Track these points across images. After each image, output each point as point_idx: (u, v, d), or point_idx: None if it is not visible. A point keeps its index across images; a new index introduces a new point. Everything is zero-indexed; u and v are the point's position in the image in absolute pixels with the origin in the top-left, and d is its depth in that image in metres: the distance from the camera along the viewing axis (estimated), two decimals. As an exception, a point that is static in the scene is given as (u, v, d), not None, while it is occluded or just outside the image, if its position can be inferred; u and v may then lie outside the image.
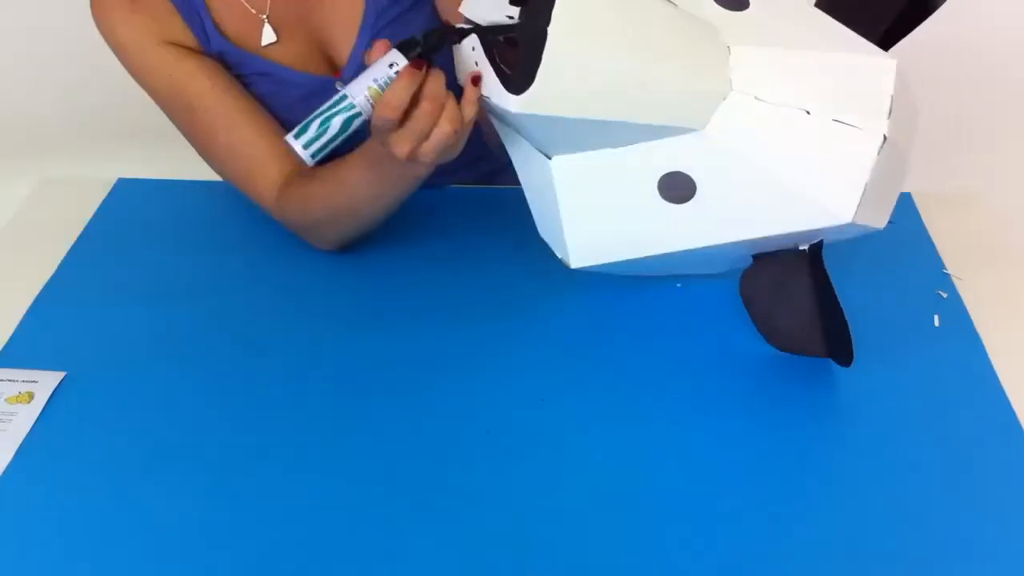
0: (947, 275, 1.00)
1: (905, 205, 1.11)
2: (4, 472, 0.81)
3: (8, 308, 0.98)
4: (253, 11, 1.03)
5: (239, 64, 1.04)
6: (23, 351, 0.93)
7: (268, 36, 1.05)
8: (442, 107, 0.81)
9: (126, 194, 1.16)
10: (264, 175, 1.02)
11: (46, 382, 0.89)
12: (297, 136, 0.80)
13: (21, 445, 0.83)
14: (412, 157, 0.82)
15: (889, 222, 1.07)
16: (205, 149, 1.04)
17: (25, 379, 0.89)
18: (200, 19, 1.02)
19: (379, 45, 0.80)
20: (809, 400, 0.87)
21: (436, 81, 0.80)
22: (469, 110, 0.82)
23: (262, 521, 0.77)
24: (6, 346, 0.94)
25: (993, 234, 1.07)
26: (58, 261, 1.04)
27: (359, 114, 0.79)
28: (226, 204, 1.12)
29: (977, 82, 2.12)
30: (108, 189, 1.16)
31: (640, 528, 0.76)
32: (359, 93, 0.79)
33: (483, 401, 0.86)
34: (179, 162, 1.30)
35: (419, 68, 0.79)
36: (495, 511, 0.77)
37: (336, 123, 0.79)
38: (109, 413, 0.86)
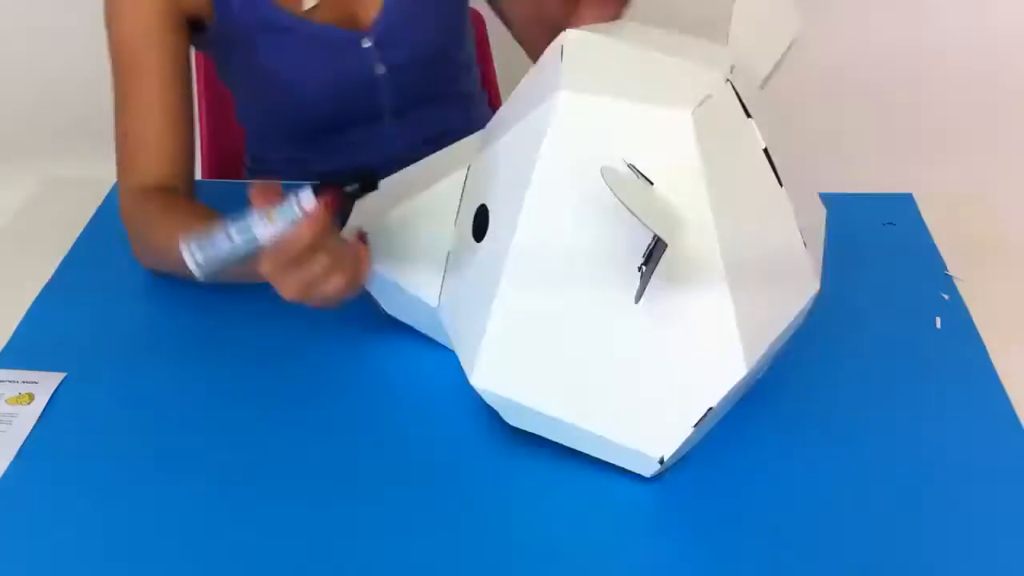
0: (949, 276, 1.00)
1: (906, 205, 1.11)
2: (4, 473, 0.81)
3: (8, 308, 0.98)
4: None
5: (268, 18, 1.05)
6: (23, 352, 0.93)
7: (309, 1, 1.07)
8: (340, 260, 0.78)
9: (126, 194, 1.15)
10: (141, 167, 1.01)
11: (46, 383, 0.89)
12: (196, 255, 0.76)
13: (21, 446, 0.83)
14: (295, 301, 0.79)
15: (890, 223, 1.08)
16: (117, 110, 1.03)
17: (25, 380, 0.89)
18: None
19: (259, 194, 0.76)
20: (810, 401, 0.87)
21: (337, 234, 0.79)
22: (363, 269, 0.81)
23: (263, 521, 0.77)
24: (6, 347, 0.93)
25: (994, 234, 1.07)
26: (58, 261, 1.04)
27: (255, 237, 0.76)
28: (226, 204, 1.12)
29: (978, 83, 2.12)
30: (108, 189, 1.16)
31: (639, 528, 0.76)
32: (258, 214, 0.75)
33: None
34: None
35: (327, 210, 0.75)
36: (493, 520, 0.77)
37: (232, 236, 0.76)
38: (109, 414, 0.86)
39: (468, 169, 0.86)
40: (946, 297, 0.98)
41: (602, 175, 0.67)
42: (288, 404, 0.87)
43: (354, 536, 0.76)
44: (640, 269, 0.71)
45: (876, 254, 1.03)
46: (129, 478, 0.80)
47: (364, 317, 0.96)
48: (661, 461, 0.76)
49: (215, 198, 1.13)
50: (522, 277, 0.76)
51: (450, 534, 0.75)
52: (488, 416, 0.82)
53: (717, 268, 0.73)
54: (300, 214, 0.75)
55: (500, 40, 1.49)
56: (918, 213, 1.09)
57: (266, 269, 0.77)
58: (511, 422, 0.80)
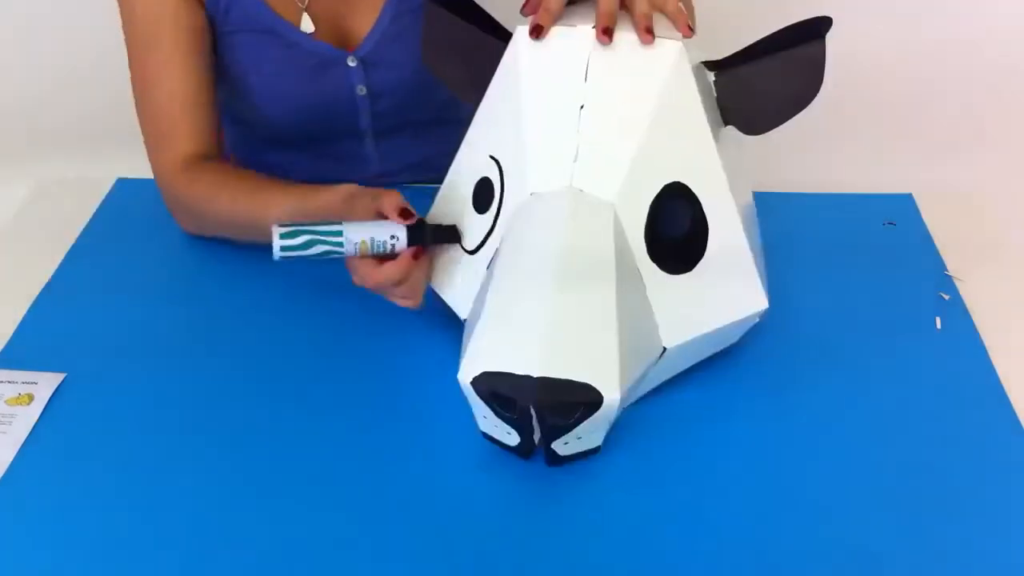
0: (949, 276, 1.00)
1: (906, 205, 1.11)
2: (4, 473, 0.81)
3: (8, 308, 0.98)
4: None
5: (254, 15, 1.05)
6: (23, 352, 0.93)
7: (307, 26, 1.07)
8: (414, 292, 0.86)
9: (126, 194, 1.16)
10: (178, 143, 1.02)
11: (46, 383, 0.89)
12: (283, 235, 0.81)
13: (21, 447, 0.83)
14: (371, 290, 0.86)
15: (890, 223, 1.08)
16: (141, 92, 1.04)
17: (25, 380, 0.89)
18: None
19: (392, 203, 0.84)
20: (810, 401, 0.87)
21: (421, 270, 0.85)
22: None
23: (264, 521, 0.77)
24: (6, 347, 0.93)
25: (994, 234, 1.07)
26: (58, 261, 1.04)
27: (342, 254, 0.83)
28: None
29: (978, 82, 2.12)
30: (108, 189, 1.16)
31: (639, 526, 0.76)
32: (354, 238, 0.82)
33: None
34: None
35: (416, 259, 0.84)
36: (497, 520, 0.77)
37: (319, 249, 0.82)
38: (109, 414, 0.86)
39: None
40: (946, 297, 0.98)
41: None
42: (289, 403, 0.87)
43: (357, 537, 0.76)
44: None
45: (876, 254, 1.03)
46: (129, 478, 0.80)
47: (367, 319, 0.96)
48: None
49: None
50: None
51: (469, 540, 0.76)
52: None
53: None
54: (389, 243, 0.83)
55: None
56: (918, 213, 1.09)
57: (354, 280, 0.86)
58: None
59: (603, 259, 0.76)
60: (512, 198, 0.82)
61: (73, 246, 1.07)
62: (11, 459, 0.82)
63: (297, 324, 0.95)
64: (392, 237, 0.83)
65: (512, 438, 0.77)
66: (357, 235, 0.82)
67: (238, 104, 1.16)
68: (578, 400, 0.71)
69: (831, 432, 0.84)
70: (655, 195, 0.79)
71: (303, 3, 1.06)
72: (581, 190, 0.79)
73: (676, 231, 0.81)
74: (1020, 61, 2.09)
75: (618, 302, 0.75)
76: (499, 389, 0.72)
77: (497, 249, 0.81)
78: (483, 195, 0.85)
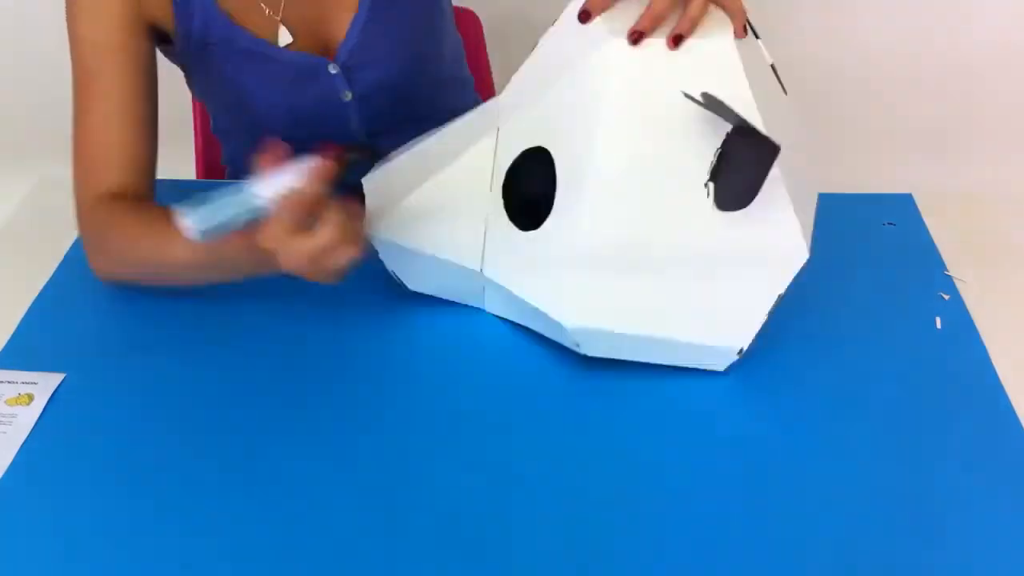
0: (949, 276, 1.00)
1: (906, 205, 1.11)
2: (4, 474, 0.81)
3: (8, 308, 0.97)
4: (267, 9, 1.03)
5: (229, 39, 1.02)
6: (23, 352, 0.93)
7: (285, 38, 1.04)
8: (344, 230, 0.78)
9: (126, 194, 1.15)
10: (101, 176, 0.97)
11: (46, 383, 0.89)
12: (193, 217, 0.75)
13: (21, 447, 0.83)
14: (300, 273, 0.80)
15: (890, 223, 1.08)
16: (76, 115, 0.99)
17: (25, 380, 0.89)
18: None
19: (272, 153, 0.77)
20: (809, 401, 0.87)
21: (338, 204, 0.79)
22: (361, 231, 0.83)
23: (264, 522, 0.77)
24: (6, 347, 0.93)
25: (994, 234, 1.07)
26: (58, 261, 1.04)
27: (263, 214, 0.76)
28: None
29: (978, 83, 2.12)
30: (108, 189, 1.16)
31: (638, 525, 0.76)
32: (270, 193, 0.75)
33: (484, 406, 0.87)
34: (178, 162, 1.30)
35: (329, 167, 0.76)
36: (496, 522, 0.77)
37: (241, 221, 0.76)
38: (109, 415, 0.86)
39: (497, 135, 0.89)
40: (946, 297, 0.98)
41: (689, 98, 0.77)
42: (289, 403, 0.87)
43: (358, 538, 0.76)
44: (706, 185, 0.80)
45: (876, 254, 1.03)
46: (129, 478, 0.80)
47: (368, 318, 0.96)
48: (740, 352, 0.86)
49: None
50: (602, 211, 0.82)
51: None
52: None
53: (773, 171, 0.78)
54: (301, 174, 0.75)
55: (498, 41, 1.48)
56: (918, 213, 1.09)
57: (269, 236, 0.77)
58: (591, 353, 0.87)
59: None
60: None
61: (73, 246, 1.07)
62: (11, 459, 0.82)
63: (297, 324, 0.95)
64: (298, 159, 0.76)
65: None
66: (271, 189, 0.75)
67: (232, 113, 1.15)
68: None
69: (830, 431, 0.84)
70: None
71: (277, 15, 1.03)
72: None
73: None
74: (1020, 62, 2.09)
75: None
76: None
77: None
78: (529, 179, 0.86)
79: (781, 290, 0.83)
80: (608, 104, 0.81)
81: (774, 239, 0.82)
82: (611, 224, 0.82)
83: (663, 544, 0.75)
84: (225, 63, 1.05)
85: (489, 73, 1.47)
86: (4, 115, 1.88)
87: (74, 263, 1.04)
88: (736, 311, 0.84)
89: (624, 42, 0.80)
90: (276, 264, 0.80)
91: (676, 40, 0.79)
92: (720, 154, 0.79)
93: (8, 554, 0.75)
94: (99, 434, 0.85)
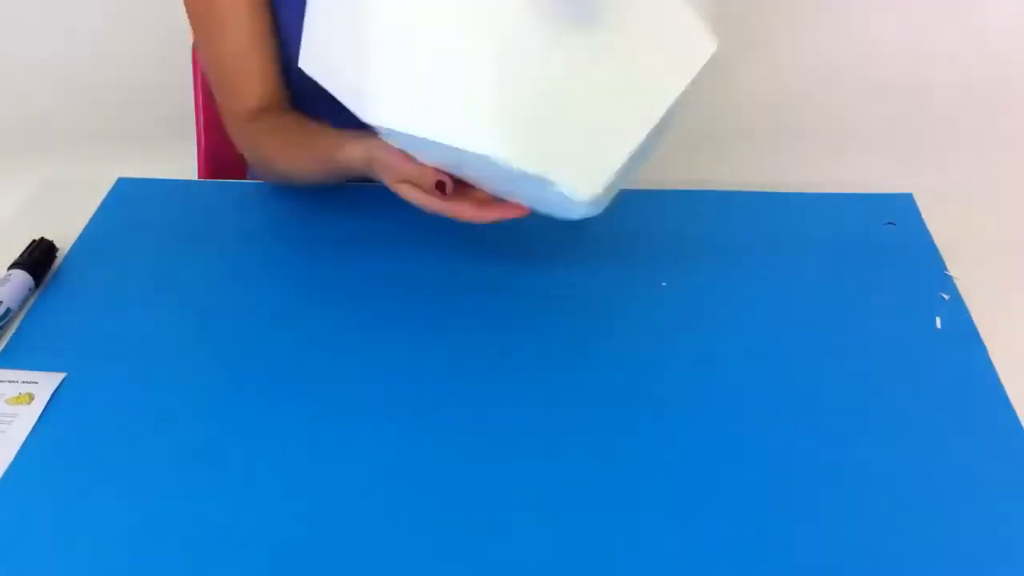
0: (949, 276, 1.00)
1: (906, 205, 1.11)
2: (4, 473, 0.81)
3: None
4: None
5: None
6: (23, 352, 0.93)
7: None
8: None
9: (126, 194, 1.16)
10: (247, 93, 1.05)
11: (46, 383, 0.89)
12: None
13: (21, 446, 0.83)
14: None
15: (890, 223, 1.08)
16: (207, 44, 1.06)
17: (25, 380, 0.89)
18: None
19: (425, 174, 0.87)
20: (808, 401, 0.87)
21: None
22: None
23: (264, 522, 0.77)
24: (6, 346, 0.94)
25: (994, 234, 1.07)
26: (58, 261, 1.04)
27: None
28: (226, 204, 1.12)
29: (978, 83, 2.12)
30: (108, 189, 1.16)
31: (637, 524, 0.76)
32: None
33: (483, 399, 0.87)
34: (180, 161, 1.31)
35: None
36: (498, 512, 0.77)
37: None
38: (109, 414, 0.86)
39: None
40: (946, 297, 0.98)
41: None
42: (290, 403, 0.87)
43: (358, 538, 0.76)
44: None
45: (876, 254, 1.03)
46: (130, 478, 0.81)
47: (368, 318, 0.96)
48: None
49: (213, 199, 1.14)
50: None
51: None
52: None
53: None
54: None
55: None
56: (918, 213, 1.09)
57: (403, 188, 0.89)
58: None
59: None
60: None
61: (73, 246, 1.07)
62: (11, 459, 0.82)
63: (298, 324, 0.95)
64: None
65: None
66: None
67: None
68: None
69: (829, 431, 0.84)
70: None
71: None
72: None
73: None
74: (1020, 61, 2.09)
75: None
76: None
77: None
78: None
79: (685, 84, 0.78)
80: None
81: (671, 39, 0.77)
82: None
83: (657, 538, 0.75)
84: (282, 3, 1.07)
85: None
86: (4, 115, 1.89)
87: (75, 263, 1.04)
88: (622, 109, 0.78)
89: None
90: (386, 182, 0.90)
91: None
92: None
93: (8, 553, 0.75)
94: (100, 434, 0.85)
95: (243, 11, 1.04)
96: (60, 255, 1.05)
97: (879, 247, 1.04)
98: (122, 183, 1.17)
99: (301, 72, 1.09)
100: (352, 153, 0.93)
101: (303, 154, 1.01)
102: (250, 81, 1.06)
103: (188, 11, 1.06)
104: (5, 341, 0.94)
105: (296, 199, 1.11)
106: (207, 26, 1.05)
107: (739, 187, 1.12)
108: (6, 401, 0.87)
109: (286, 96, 1.09)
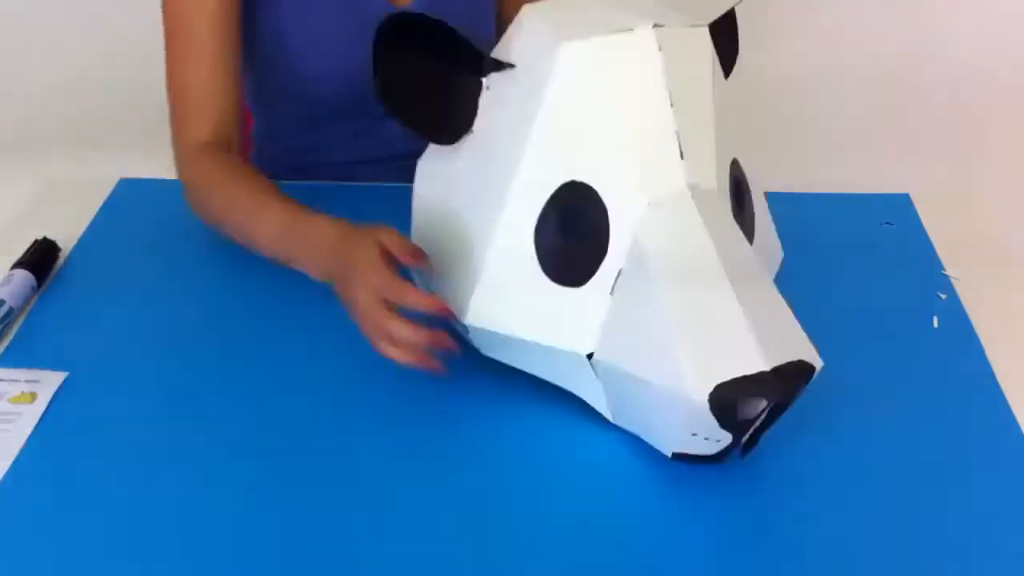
0: (946, 276, 1.00)
1: (905, 205, 1.11)
2: (6, 472, 0.81)
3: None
4: None
5: None
6: (25, 351, 0.93)
7: None
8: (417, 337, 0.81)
9: (127, 194, 1.16)
10: (199, 123, 1.04)
11: (49, 382, 0.89)
12: None
13: (24, 445, 0.83)
14: (359, 322, 0.83)
15: (888, 223, 1.08)
16: (170, 67, 1.05)
17: (28, 379, 0.89)
18: None
19: (396, 241, 0.83)
20: (806, 400, 0.87)
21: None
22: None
23: (265, 522, 0.77)
24: (8, 346, 0.94)
25: (991, 234, 1.08)
26: (58, 261, 1.05)
27: None
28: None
29: (976, 83, 2.13)
30: (109, 189, 1.16)
31: (637, 523, 0.76)
32: None
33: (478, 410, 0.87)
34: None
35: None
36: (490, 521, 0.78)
37: None
38: (111, 413, 0.87)
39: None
40: (943, 297, 0.98)
41: None
42: (292, 402, 0.87)
43: (358, 539, 0.76)
44: None
45: (873, 254, 1.04)
46: (131, 477, 0.81)
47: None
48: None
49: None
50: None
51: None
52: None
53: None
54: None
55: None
56: (915, 213, 1.10)
57: (361, 292, 0.82)
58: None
59: (746, 251, 0.80)
60: (623, 215, 0.79)
61: (75, 246, 1.07)
62: (14, 457, 0.82)
63: (300, 323, 0.96)
64: None
65: (719, 444, 0.76)
66: None
67: (274, 78, 1.15)
68: (802, 376, 0.74)
69: (827, 431, 0.84)
70: (728, 174, 0.83)
71: None
72: (695, 184, 0.79)
73: (744, 201, 0.85)
74: (1018, 62, 2.10)
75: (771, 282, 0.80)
76: (740, 394, 0.72)
77: (624, 270, 0.79)
78: (573, 223, 0.80)
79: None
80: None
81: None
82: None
83: (657, 537, 0.75)
84: (286, 1, 1.06)
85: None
86: (7, 116, 1.89)
87: (76, 263, 1.05)
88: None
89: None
90: (337, 289, 0.85)
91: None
92: None
93: (10, 553, 0.75)
94: (102, 432, 0.85)
95: (211, 44, 1.03)
96: (62, 255, 1.05)
97: (876, 247, 1.05)
98: (124, 183, 1.17)
99: (318, 87, 1.09)
100: (322, 222, 0.89)
101: (250, 202, 0.97)
102: (206, 112, 1.04)
103: (164, 30, 1.05)
104: (7, 340, 0.94)
105: (296, 199, 1.11)
106: (174, 50, 1.04)
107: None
108: (9, 400, 0.87)
109: (236, 141, 1.07)
